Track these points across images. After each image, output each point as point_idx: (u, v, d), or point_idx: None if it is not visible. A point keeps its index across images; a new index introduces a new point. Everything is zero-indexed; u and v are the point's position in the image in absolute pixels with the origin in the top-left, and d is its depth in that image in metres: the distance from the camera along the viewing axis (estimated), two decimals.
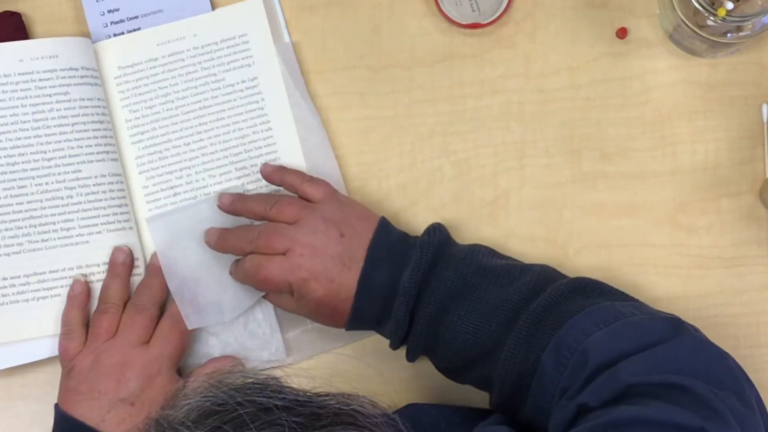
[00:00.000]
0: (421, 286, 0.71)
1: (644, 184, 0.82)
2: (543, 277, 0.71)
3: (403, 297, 0.70)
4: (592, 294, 0.69)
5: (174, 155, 0.82)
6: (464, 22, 0.84)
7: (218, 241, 0.77)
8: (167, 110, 0.82)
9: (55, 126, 0.79)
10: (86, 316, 0.78)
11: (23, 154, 0.79)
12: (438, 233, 0.73)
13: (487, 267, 0.71)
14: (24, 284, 0.78)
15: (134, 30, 0.84)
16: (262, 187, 0.81)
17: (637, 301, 0.71)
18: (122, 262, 0.78)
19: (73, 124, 0.79)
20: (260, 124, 0.82)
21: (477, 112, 0.84)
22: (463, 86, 0.84)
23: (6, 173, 0.78)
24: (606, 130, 0.84)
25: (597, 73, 0.84)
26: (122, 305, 0.77)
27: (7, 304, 0.78)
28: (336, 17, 0.85)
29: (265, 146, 0.82)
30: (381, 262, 0.72)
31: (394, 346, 0.73)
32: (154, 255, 0.78)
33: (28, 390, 0.81)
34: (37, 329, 0.78)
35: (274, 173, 0.78)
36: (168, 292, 0.78)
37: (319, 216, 0.73)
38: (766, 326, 0.81)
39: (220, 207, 0.78)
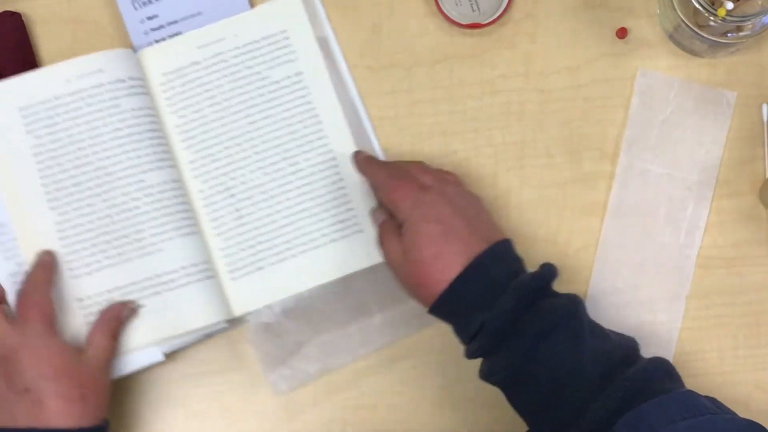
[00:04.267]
0: (537, 292, 0.67)
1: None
2: (635, 345, 0.68)
3: (516, 292, 0.66)
4: (676, 378, 0.67)
5: (226, 156, 0.81)
6: (464, 22, 0.84)
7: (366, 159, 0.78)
8: (215, 112, 0.81)
9: (110, 140, 0.79)
10: None
11: (86, 173, 0.79)
12: (552, 269, 0.69)
13: (588, 317, 0.68)
14: (108, 299, 0.78)
15: (175, 34, 0.83)
16: (317, 180, 0.81)
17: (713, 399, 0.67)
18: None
19: (128, 135, 0.79)
20: (309, 118, 0.82)
21: (477, 112, 0.84)
22: (463, 86, 0.84)
23: (73, 194, 0.78)
24: (606, 130, 0.84)
25: (597, 73, 0.84)
26: None
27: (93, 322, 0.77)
28: (336, 17, 0.85)
29: (316, 140, 0.81)
30: (501, 258, 0.68)
31: (483, 341, 0.67)
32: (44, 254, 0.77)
33: None
34: (124, 342, 0.77)
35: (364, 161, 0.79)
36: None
37: (445, 199, 0.71)
38: (766, 326, 0.82)
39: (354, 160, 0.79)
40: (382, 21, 0.85)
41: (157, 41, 0.83)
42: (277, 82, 0.82)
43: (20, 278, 0.76)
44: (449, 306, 0.68)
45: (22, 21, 0.84)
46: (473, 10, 0.84)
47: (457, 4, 0.84)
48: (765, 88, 0.84)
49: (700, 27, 0.78)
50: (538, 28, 0.85)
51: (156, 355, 0.78)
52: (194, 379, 0.81)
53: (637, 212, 0.82)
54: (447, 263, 0.67)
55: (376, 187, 0.76)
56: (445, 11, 0.84)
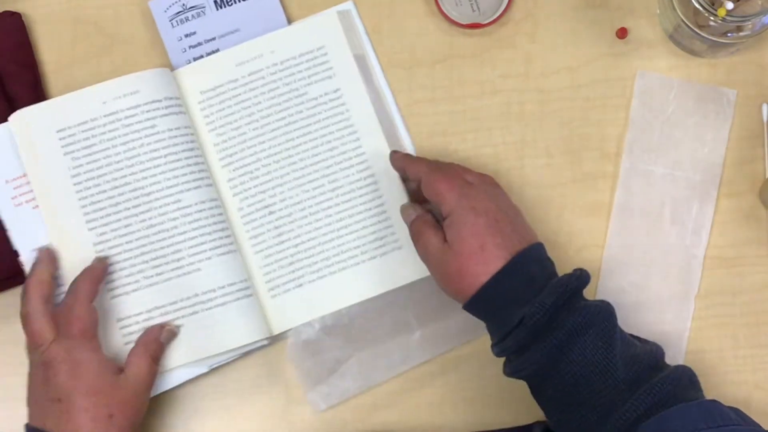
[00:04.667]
0: (575, 291, 0.68)
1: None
2: (662, 353, 0.69)
3: (556, 288, 0.67)
4: (699, 387, 0.67)
5: (265, 174, 0.81)
6: (464, 22, 0.84)
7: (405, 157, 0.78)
8: (253, 129, 0.81)
9: (147, 161, 0.79)
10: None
11: (123, 193, 0.79)
12: (585, 275, 0.70)
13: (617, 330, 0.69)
14: (147, 319, 0.78)
15: (213, 52, 0.83)
16: (356, 197, 0.81)
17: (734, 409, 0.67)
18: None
19: (165, 156, 0.79)
20: (348, 134, 0.81)
21: (477, 112, 0.84)
22: (463, 86, 0.84)
23: (111, 215, 0.79)
24: (606, 130, 0.84)
25: (597, 73, 0.84)
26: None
27: (133, 342, 0.77)
28: None
29: (354, 156, 0.81)
30: (537, 260, 0.69)
31: (520, 336, 0.68)
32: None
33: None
34: (164, 361, 0.78)
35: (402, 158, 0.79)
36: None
37: (501, 192, 0.73)
38: (766, 326, 0.82)
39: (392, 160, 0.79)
40: (382, 21, 0.85)
41: (195, 59, 0.83)
42: (315, 98, 0.82)
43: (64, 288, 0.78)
44: (489, 300, 0.68)
45: (22, 21, 0.84)
46: (473, 10, 0.84)
47: (457, 4, 0.84)
48: (765, 88, 0.84)
49: (700, 27, 0.78)
50: (538, 28, 0.85)
51: (199, 368, 0.79)
52: (231, 396, 0.82)
53: (642, 213, 0.82)
54: (490, 256, 0.68)
55: (418, 180, 0.75)
56: (445, 11, 0.84)
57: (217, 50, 0.84)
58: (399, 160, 0.78)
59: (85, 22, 0.86)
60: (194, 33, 0.84)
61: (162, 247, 0.79)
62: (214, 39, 0.84)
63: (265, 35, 0.83)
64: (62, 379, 0.71)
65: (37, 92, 0.83)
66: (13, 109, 0.82)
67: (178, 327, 0.78)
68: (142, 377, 0.74)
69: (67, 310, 0.74)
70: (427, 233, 0.72)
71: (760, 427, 0.64)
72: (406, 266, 0.79)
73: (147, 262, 0.78)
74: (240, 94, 0.82)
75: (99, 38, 0.85)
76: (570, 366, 0.66)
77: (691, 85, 0.83)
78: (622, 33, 0.84)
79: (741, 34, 0.78)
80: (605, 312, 0.68)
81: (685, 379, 0.66)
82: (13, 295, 0.81)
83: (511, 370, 0.70)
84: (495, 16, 0.83)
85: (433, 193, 0.72)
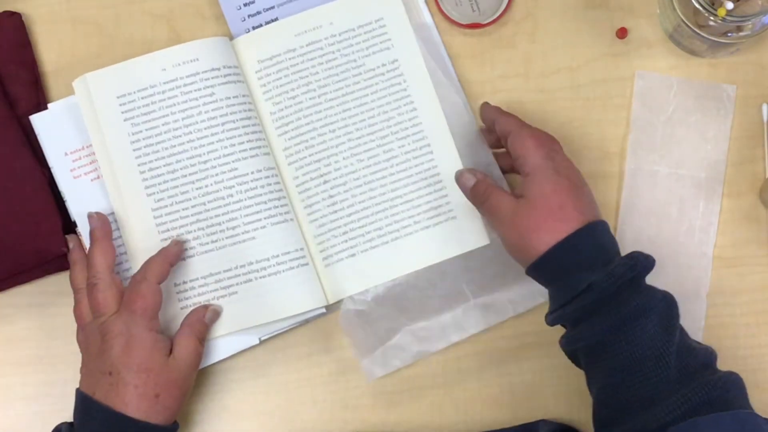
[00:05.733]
0: (645, 268, 0.68)
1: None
2: (714, 353, 0.69)
3: (630, 260, 0.67)
4: (744, 396, 0.67)
5: (320, 143, 0.81)
6: (464, 22, 0.84)
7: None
8: (310, 99, 0.82)
9: (205, 128, 0.80)
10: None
11: (180, 161, 0.79)
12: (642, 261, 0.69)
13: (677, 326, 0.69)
14: (202, 285, 0.79)
15: (271, 21, 0.84)
16: (411, 167, 0.80)
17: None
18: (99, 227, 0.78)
19: (223, 124, 0.80)
20: (404, 105, 0.81)
21: (477, 112, 0.84)
22: (464, 86, 0.84)
23: (168, 181, 0.79)
24: (606, 129, 0.84)
25: (597, 73, 0.84)
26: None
27: (188, 306, 0.78)
28: None
29: (411, 126, 0.81)
30: (608, 233, 0.70)
31: (586, 302, 0.67)
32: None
33: (28, 390, 0.81)
34: (215, 329, 0.79)
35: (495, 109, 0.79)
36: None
37: (579, 172, 0.73)
38: (766, 326, 0.82)
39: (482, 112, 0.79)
40: None
41: (254, 28, 0.84)
42: (372, 69, 0.82)
43: (123, 263, 0.80)
44: (560, 260, 0.68)
45: (22, 21, 0.84)
46: (473, 10, 0.84)
47: (457, 4, 0.84)
48: (765, 88, 0.84)
49: (700, 27, 0.78)
50: (538, 28, 0.85)
51: (251, 339, 0.79)
52: (284, 365, 0.82)
53: (650, 213, 0.82)
54: (568, 216, 0.68)
55: (506, 134, 0.74)
56: (445, 11, 0.84)
57: (276, 19, 0.84)
58: (491, 111, 0.78)
59: (85, 22, 0.86)
60: (253, 2, 0.85)
61: (217, 215, 0.79)
62: (272, 8, 0.85)
63: (324, 5, 0.83)
64: (116, 352, 0.72)
65: (37, 92, 0.83)
66: (13, 109, 0.82)
67: (220, 308, 0.78)
68: (190, 359, 0.75)
69: (134, 285, 0.75)
70: (496, 192, 0.72)
71: None
72: (461, 236, 0.79)
73: (203, 229, 0.79)
74: (297, 64, 0.82)
75: (99, 38, 0.86)
76: (627, 345, 0.66)
77: (691, 83, 0.83)
78: (622, 33, 0.84)
79: (741, 34, 0.78)
80: (669, 300, 0.68)
81: (737, 386, 0.66)
82: (8, 296, 0.82)
83: (566, 341, 0.70)
84: (495, 16, 0.83)
85: (521, 147, 0.72)
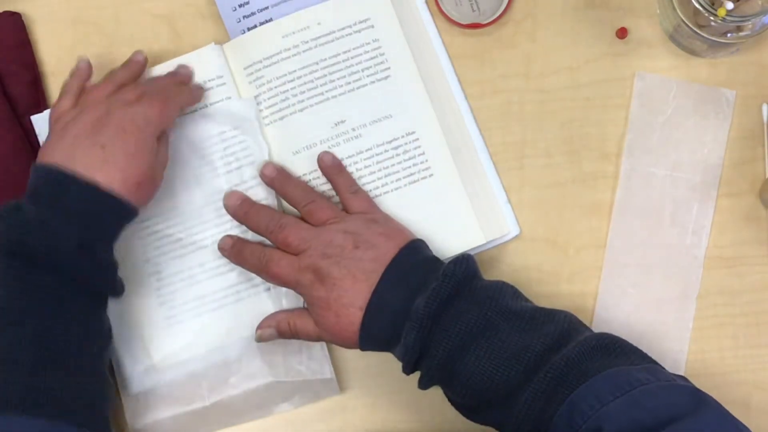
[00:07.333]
0: (436, 316, 0.68)
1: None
2: (567, 327, 0.68)
3: (414, 322, 0.67)
4: (613, 353, 0.66)
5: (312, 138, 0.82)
6: (464, 22, 0.84)
7: (241, 207, 0.77)
8: (299, 99, 0.82)
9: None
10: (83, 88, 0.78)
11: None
12: (464, 265, 0.70)
13: (511, 309, 0.68)
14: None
15: (266, 21, 0.84)
16: (400, 153, 0.81)
17: (652, 361, 0.67)
18: (140, 61, 0.79)
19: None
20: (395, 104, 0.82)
21: (477, 112, 0.84)
22: (464, 86, 0.84)
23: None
24: (606, 130, 0.84)
25: (597, 73, 0.84)
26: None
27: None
28: None
29: (406, 134, 0.81)
30: (398, 281, 0.70)
31: (406, 371, 0.71)
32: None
33: None
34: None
35: (331, 168, 0.79)
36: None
37: (341, 227, 0.73)
38: (766, 326, 0.82)
39: (262, 175, 0.79)
40: None
41: (249, 29, 0.84)
42: (360, 64, 0.82)
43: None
44: (371, 340, 0.71)
45: (22, 21, 0.84)
46: (473, 10, 0.84)
47: (457, 4, 0.84)
48: (765, 88, 0.84)
49: (700, 27, 0.78)
50: (538, 28, 0.85)
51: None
52: None
53: (643, 214, 0.82)
54: (346, 292, 0.70)
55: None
56: (445, 11, 0.84)
57: (271, 19, 0.84)
58: (327, 168, 0.80)
59: (85, 22, 0.86)
60: (247, 2, 0.84)
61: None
62: (266, 8, 0.84)
63: (314, 6, 0.83)
64: (113, 128, 0.71)
65: (37, 92, 0.84)
66: (13, 110, 0.82)
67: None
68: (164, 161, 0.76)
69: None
70: (297, 323, 0.75)
71: (674, 380, 0.63)
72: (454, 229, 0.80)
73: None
74: (284, 66, 0.82)
75: (99, 38, 0.86)
76: (465, 368, 0.67)
77: (690, 85, 0.83)
78: (622, 33, 0.84)
79: (741, 34, 0.78)
80: (480, 321, 0.68)
81: (591, 350, 0.65)
82: None
83: (422, 385, 0.71)
84: (495, 16, 0.83)
85: (271, 278, 0.75)
